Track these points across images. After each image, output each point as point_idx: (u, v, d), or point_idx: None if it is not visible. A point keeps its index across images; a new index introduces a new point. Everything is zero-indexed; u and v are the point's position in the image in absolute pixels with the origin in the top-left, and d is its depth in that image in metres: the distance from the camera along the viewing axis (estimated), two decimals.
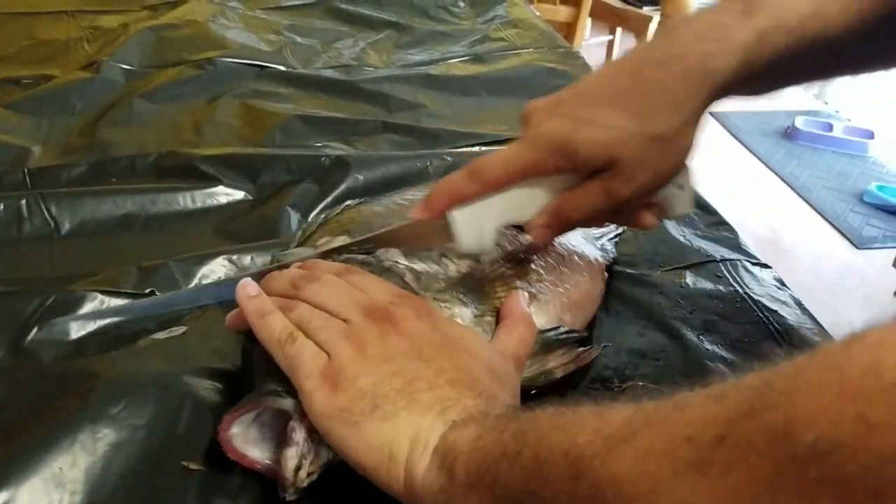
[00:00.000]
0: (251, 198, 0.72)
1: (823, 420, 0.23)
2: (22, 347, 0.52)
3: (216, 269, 0.60)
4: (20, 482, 0.39)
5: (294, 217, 0.68)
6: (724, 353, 0.55)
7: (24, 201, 0.66)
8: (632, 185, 0.48)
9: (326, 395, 0.39)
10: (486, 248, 0.51)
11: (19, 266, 0.61)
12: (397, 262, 0.51)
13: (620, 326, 0.57)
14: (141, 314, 0.55)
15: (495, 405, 0.39)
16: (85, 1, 1.17)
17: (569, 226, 0.52)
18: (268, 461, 0.41)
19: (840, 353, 0.24)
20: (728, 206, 0.82)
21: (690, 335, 0.56)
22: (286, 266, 0.49)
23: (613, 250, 0.64)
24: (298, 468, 0.39)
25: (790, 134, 2.97)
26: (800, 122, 2.97)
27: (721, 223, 0.71)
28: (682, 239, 0.66)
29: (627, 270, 0.63)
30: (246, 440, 0.41)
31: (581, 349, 0.52)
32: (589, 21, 2.60)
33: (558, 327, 0.51)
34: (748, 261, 0.65)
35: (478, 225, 0.49)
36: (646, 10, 2.54)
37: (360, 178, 0.74)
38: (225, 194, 0.72)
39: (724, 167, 2.75)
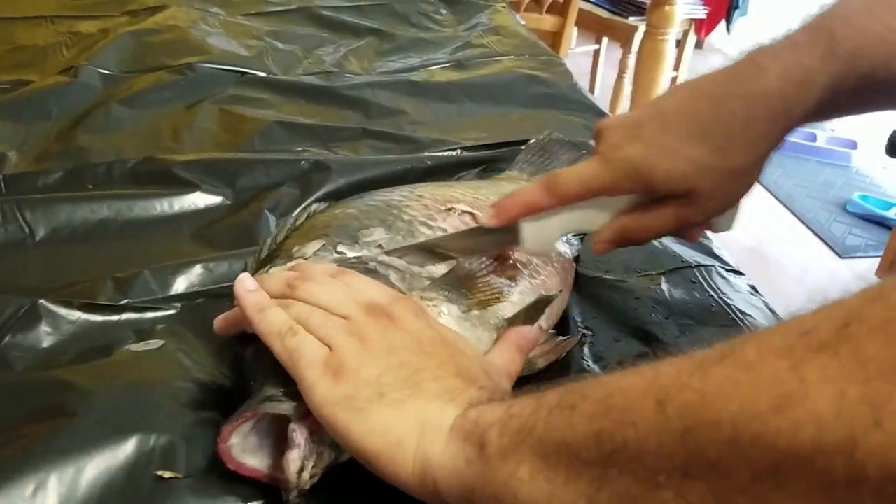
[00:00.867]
0: (229, 202, 0.71)
1: None
2: None
3: (193, 278, 0.59)
4: None
5: (273, 221, 0.68)
6: None
7: None
8: (703, 213, 0.51)
9: (329, 385, 0.39)
10: (547, 252, 0.56)
11: None
12: (380, 262, 0.51)
13: (596, 332, 0.57)
14: None
15: (497, 398, 0.39)
16: (64, 6, 1.16)
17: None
18: (267, 468, 0.40)
19: None
20: None
21: (666, 340, 0.56)
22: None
23: (578, 243, 0.65)
24: (301, 470, 0.39)
25: None
26: None
27: None
28: (657, 244, 0.66)
29: (603, 276, 0.63)
30: (244, 449, 0.41)
31: (561, 338, 0.53)
32: (575, 30, 2.61)
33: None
34: (722, 267, 0.66)
35: (545, 233, 0.53)
36: (632, 20, 2.55)
37: (342, 181, 0.73)
38: (203, 199, 0.71)
39: None
